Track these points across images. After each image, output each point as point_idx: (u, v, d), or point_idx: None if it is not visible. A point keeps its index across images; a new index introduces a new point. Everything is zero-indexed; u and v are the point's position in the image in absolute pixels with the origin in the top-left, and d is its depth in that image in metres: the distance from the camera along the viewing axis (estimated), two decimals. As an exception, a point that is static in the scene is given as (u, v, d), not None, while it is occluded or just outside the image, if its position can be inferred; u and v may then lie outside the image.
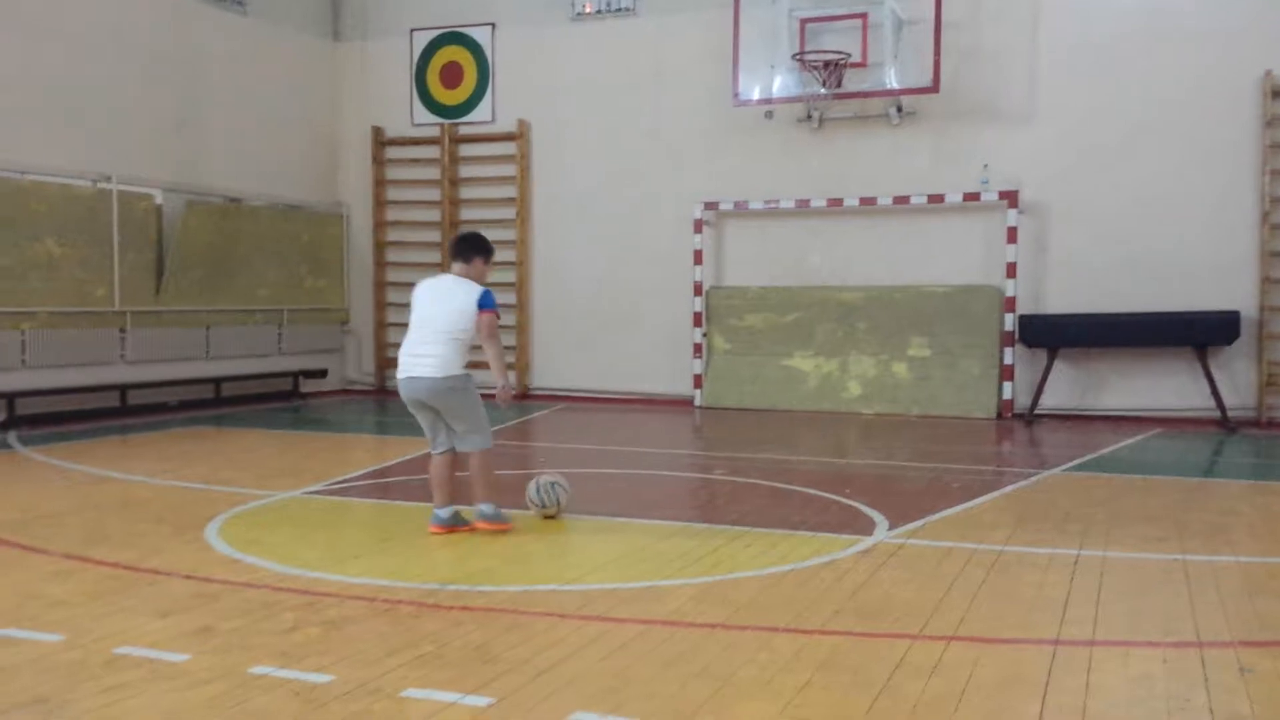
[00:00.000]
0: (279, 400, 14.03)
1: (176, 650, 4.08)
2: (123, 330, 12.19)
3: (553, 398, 14.38)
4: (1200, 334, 11.53)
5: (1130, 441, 10.42)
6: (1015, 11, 12.35)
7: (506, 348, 14.62)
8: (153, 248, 12.60)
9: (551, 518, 6.51)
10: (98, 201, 11.88)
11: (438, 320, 6.08)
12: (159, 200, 12.80)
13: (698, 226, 13.52)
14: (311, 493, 7.47)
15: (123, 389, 12.05)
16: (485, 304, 6.13)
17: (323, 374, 14.77)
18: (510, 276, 14.68)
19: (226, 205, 13.67)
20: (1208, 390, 11.50)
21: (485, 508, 6.22)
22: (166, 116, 12.89)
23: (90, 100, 11.91)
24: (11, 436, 10.24)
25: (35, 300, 11.15)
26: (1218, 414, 11.46)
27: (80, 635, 4.26)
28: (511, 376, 14.61)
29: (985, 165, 12.38)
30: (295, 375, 14.36)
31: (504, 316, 14.61)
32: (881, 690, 3.69)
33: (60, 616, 4.52)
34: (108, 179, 11.98)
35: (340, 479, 8.03)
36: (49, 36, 11.47)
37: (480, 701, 3.57)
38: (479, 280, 6.27)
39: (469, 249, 6.33)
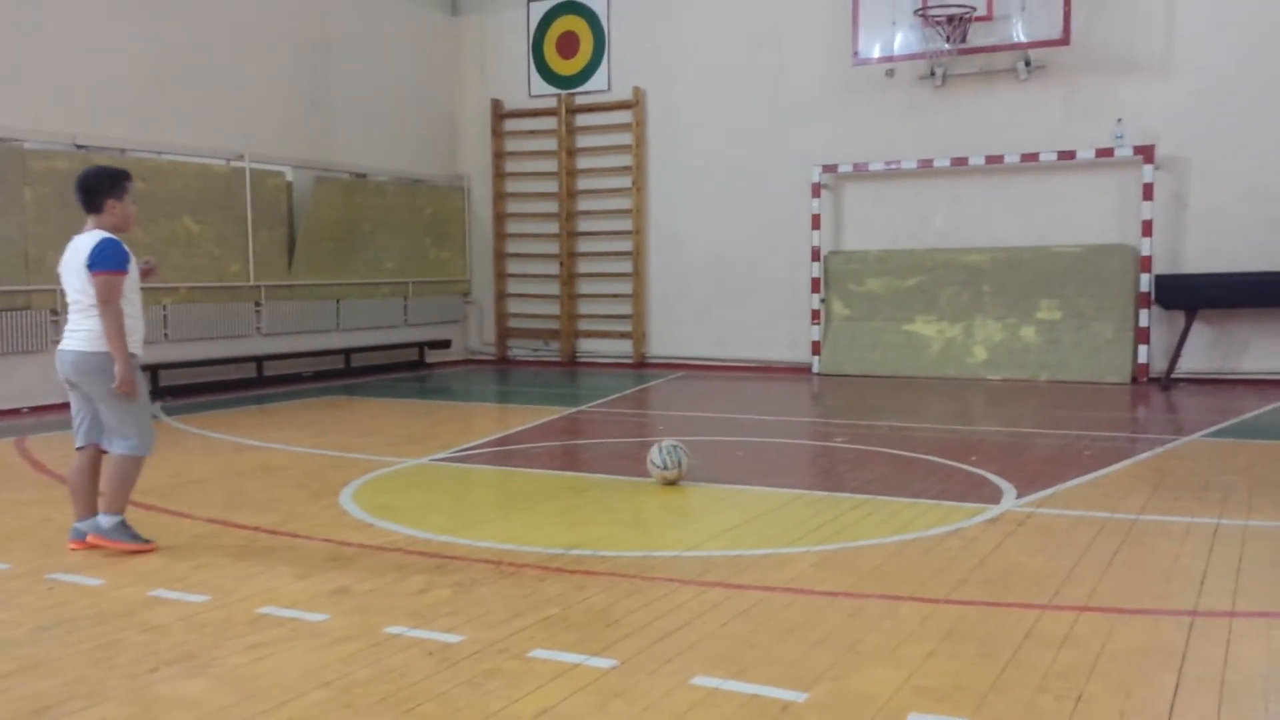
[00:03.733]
0: (405, 370, 14.41)
1: (316, 610, 4.25)
2: (257, 304, 12.67)
3: (670, 366, 14.42)
4: (1353, 292, 10.93)
5: (1273, 406, 9.95)
6: (1150, -43, 11.80)
7: (622, 316, 14.90)
8: (284, 224, 13.04)
9: (672, 483, 6.54)
10: (232, 180, 12.34)
11: (71, 288, 5.08)
12: (289, 177, 13.23)
13: (815, 190, 13.34)
14: (438, 460, 7.66)
15: (259, 360, 12.53)
16: (96, 263, 4.94)
17: (446, 345, 15.10)
18: (627, 245, 14.75)
19: (352, 180, 14.03)
20: (1361, 352, 10.91)
21: (104, 520, 5.14)
22: (295, 95, 13.28)
23: (222, 81, 12.32)
24: (156, 407, 10.74)
25: (175, 276, 11.65)
26: (1372, 377, 10.87)
27: (225, 595, 4.47)
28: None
29: (1119, 119, 11.88)
30: (421, 346, 14.73)
31: (620, 285, 14.92)
32: (1010, 660, 3.62)
33: (206, 578, 4.74)
34: (240, 157, 12.43)
35: (465, 446, 8.22)
36: (181, 21, 11.88)
37: (604, 664, 3.63)
38: (119, 228, 5.13)
39: (91, 196, 5.07)
